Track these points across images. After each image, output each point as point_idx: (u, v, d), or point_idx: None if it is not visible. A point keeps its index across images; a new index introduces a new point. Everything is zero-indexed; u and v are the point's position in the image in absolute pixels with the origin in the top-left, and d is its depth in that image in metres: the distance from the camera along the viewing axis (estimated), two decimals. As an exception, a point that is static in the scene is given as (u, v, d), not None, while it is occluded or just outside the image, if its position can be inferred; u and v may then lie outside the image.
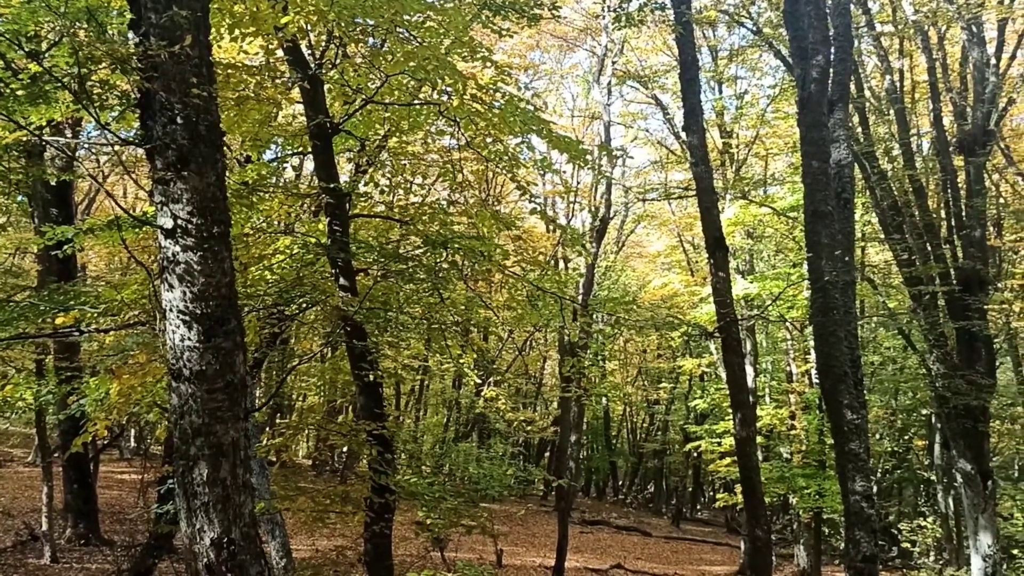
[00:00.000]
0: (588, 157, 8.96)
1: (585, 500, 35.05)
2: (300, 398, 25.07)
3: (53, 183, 13.30)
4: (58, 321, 7.43)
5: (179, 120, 5.40)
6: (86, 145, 10.22)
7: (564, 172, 21.50)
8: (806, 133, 9.66)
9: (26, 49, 6.05)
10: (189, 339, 5.51)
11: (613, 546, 23.53)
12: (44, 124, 6.64)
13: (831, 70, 9.82)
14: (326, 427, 8.92)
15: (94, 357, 15.67)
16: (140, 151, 12.54)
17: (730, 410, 19.87)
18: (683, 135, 21.91)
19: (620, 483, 41.88)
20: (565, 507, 16.43)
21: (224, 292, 5.63)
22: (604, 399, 33.82)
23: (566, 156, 8.87)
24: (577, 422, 18.18)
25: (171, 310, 5.54)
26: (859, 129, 16.43)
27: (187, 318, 5.49)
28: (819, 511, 19.97)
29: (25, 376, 10.99)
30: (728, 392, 12.74)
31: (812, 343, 19.54)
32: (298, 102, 9.38)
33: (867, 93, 17.63)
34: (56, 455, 14.56)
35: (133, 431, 24.78)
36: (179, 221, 5.45)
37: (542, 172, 23.45)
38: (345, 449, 25.00)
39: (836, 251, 9.11)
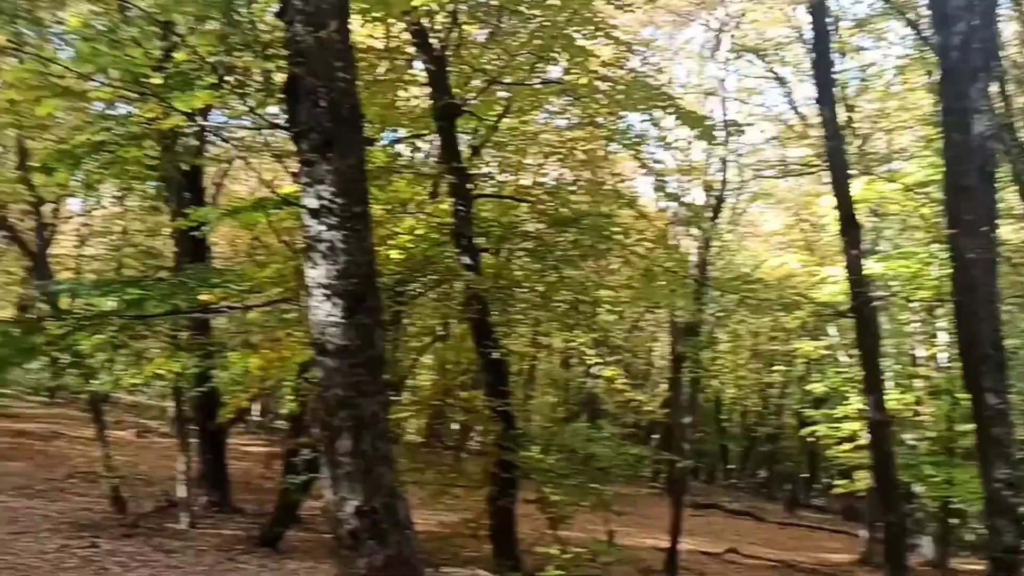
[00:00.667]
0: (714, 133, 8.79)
1: (695, 483, 34.68)
2: (412, 376, 25.56)
3: (187, 169, 13.90)
4: (203, 298, 7.82)
5: (323, 104, 5.59)
6: (231, 130, 10.68)
7: (687, 150, 21.09)
8: (947, 104, 9.23)
9: (180, 37, 6.33)
10: (333, 315, 5.71)
11: (726, 530, 23.23)
12: (189, 111, 6.97)
13: (974, 37, 9.35)
14: (454, 403, 9.11)
15: (226, 334, 16.42)
16: (262, 138, 12.99)
17: (849, 394, 19.30)
18: (801, 110, 21.33)
19: (731, 467, 41.28)
20: (679, 489, 16.30)
21: (365, 270, 5.83)
22: (716, 381, 33.32)
23: (682, 133, 8.78)
24: (691, 404, 18.00)
25: (315, 287, 5.76)
26: (997, 100, 15.54)
27: (330, 295, 5.70)
28: (947, 501, 19.16)
29: (165, 351, 11.58)
30: (852, 375, 12.37)
31: (943, 324, 18.74)
32: (423, 84, 9.55)
33: (1004, 63, 16.64)
34: (192, 427, 15.24)
35: (258, 405, 25.79)
36: (323, 201, 5.65)
37: (643, 150, 23.15)
38: (456, 426, 25.45)
39: (979, 227, 8.70)
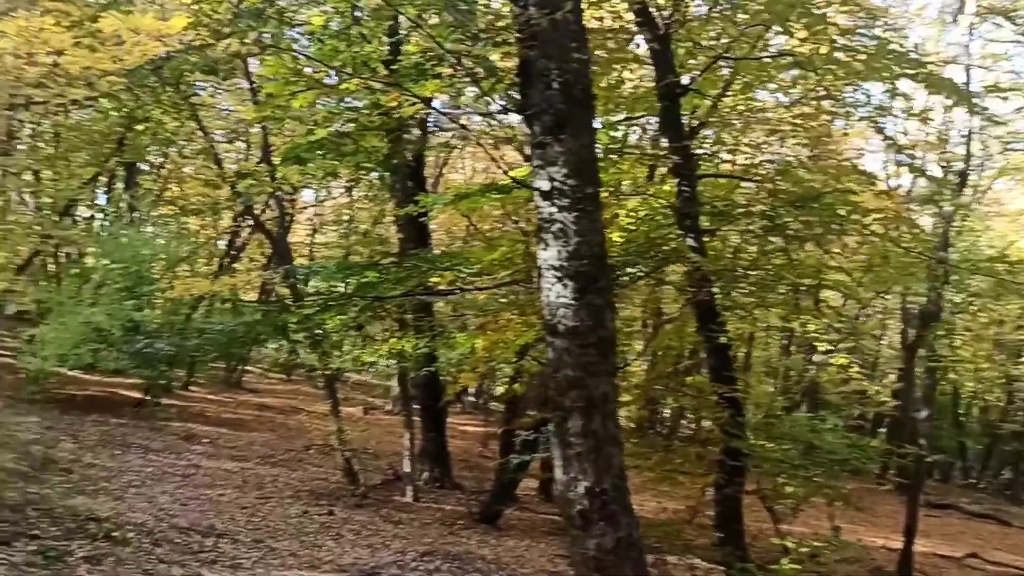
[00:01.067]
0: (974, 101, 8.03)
1: (929, 482, 32.16)
2: (622, 363, 25.30)
3: (411, 159, 14.48)
4: (433, 280, 8.13)
5: (556, 85, 5.61)
6: (454, 118, 11.03)
7: (929, 121, 19.43)
8: None
9: (417, 25, 6.57)
10: (564, 296, 5.75)
11: (966, 533, 21.49)
12: (425, 98, 7.23)
13: None
14: (673, 389, 8.94)
15: (447, 316, 17.04)
16: (483, 126, 13.26)
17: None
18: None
19: (970, 466, 38.04)
20: (915, 487, 15.17)
21: (596, 251, 5.82)
22: (954, 373, 30.71)
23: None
24: (926, 396, 16.67)
25: (547, 269, 5.81)
26: None
27: (562, 276, 5.73)
28: None
29: (396, 332, 12.14)
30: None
31: None
32: (645, 63, 9.38)
33: None
34: (415, 405, 15.89)
35: (473, 386, 26.57)
36: (555, 183, 5.68)
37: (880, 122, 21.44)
38: (668, 412, 25.04)
39: None
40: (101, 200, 26.74)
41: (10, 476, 8.30)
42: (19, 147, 21.46)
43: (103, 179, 24.88)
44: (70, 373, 18.13)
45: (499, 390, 25.16)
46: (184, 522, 9.62)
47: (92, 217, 26.70)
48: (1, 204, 21.77)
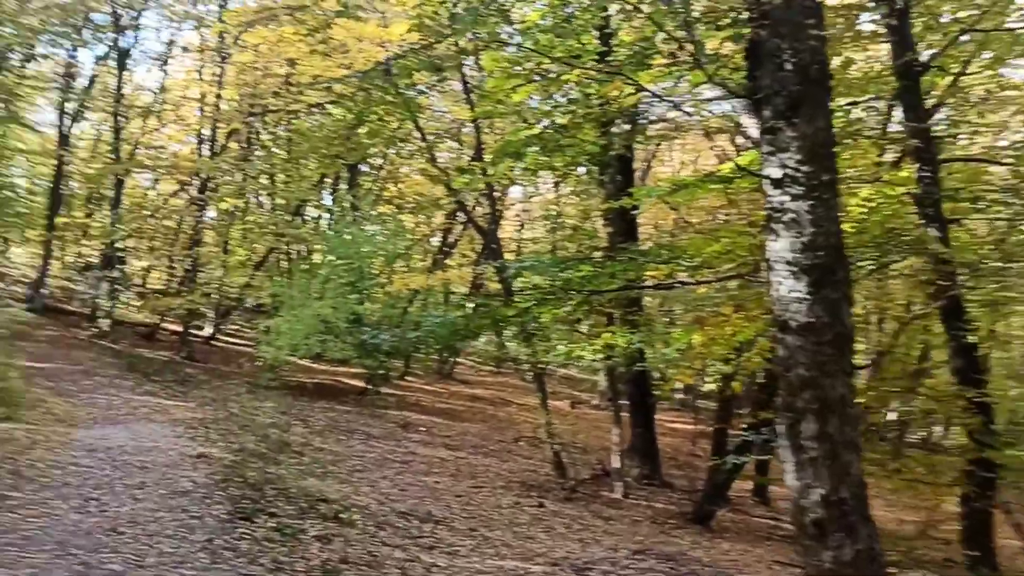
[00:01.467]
0: None
1: None
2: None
3: (619, 152, 14.30)
4: (648, 274, 7.94)
5: (788, 66, 5.27)
6: (666, 108, 10.81)
7: None
8: None
9: (636, 9, 6.41)
10: (796, 290, 5.39)
11: None
12: (646, 86, 7.07)
13: None
14: (913, 390, 8.25)
15: (657, 311, 16.74)
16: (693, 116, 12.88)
17: None
18: None
19: None
20: None
21: (833, 241, 5.42)
22: None
23: None
24: None
25: (777, 261, 5.47)
26: None
27: (795, 269, 5.38)
28: None
29: (609, 327, 12.02)
30: None
31: None
32: (883, 41, 8.71)
33: None
34: (623, 400, 15.69)
35: (681, 384, 26.02)
36: (787, 170, 5.34)
37: None
38: (890, 416, 23.37)
39: None
40: (327, 200, 28.55)
41: (251, 457, 8.92)
42: (257, 153, 23.30)
43: (328, 180, 26.53)
44: (301, 362, 19.46)
45: (708, 387, 24.51)
46: (404, 507, 9.99)
47: (319, 216, 28.57)
48: (242, 205, 23.74)
